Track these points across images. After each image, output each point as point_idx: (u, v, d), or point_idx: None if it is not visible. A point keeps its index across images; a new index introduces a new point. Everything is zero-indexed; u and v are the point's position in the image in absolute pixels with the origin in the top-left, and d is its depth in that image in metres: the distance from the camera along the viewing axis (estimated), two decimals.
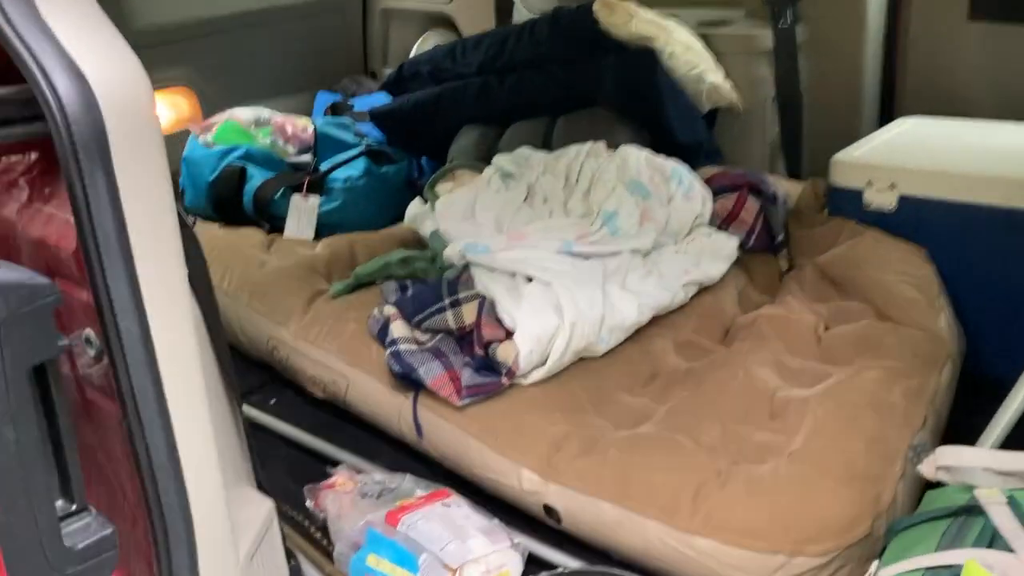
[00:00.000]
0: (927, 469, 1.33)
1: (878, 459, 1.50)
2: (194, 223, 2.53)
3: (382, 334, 1.88)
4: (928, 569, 1.11)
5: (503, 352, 1.70)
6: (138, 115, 1.05)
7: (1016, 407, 1.39)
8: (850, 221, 2.13)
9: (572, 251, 1.90)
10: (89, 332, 1.16)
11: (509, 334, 1.74)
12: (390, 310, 1.91)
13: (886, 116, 2.61)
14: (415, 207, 2.40)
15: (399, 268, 2.13)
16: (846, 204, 2.15)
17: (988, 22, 2.41)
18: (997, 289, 1.96)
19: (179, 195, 2.84)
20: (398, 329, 1.85)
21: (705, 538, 1.45)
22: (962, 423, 1.81)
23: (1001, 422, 1.41)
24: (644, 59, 2.42)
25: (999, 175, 1.93)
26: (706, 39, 2.63)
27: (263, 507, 1.48)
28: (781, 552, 1.40)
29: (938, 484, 1.30)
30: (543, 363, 1.72)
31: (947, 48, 2.50)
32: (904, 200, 2.04)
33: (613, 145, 2.33)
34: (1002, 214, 1.91)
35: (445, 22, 3.49)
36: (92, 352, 1.13)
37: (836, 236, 2.13)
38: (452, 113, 2.74)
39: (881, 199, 2.07)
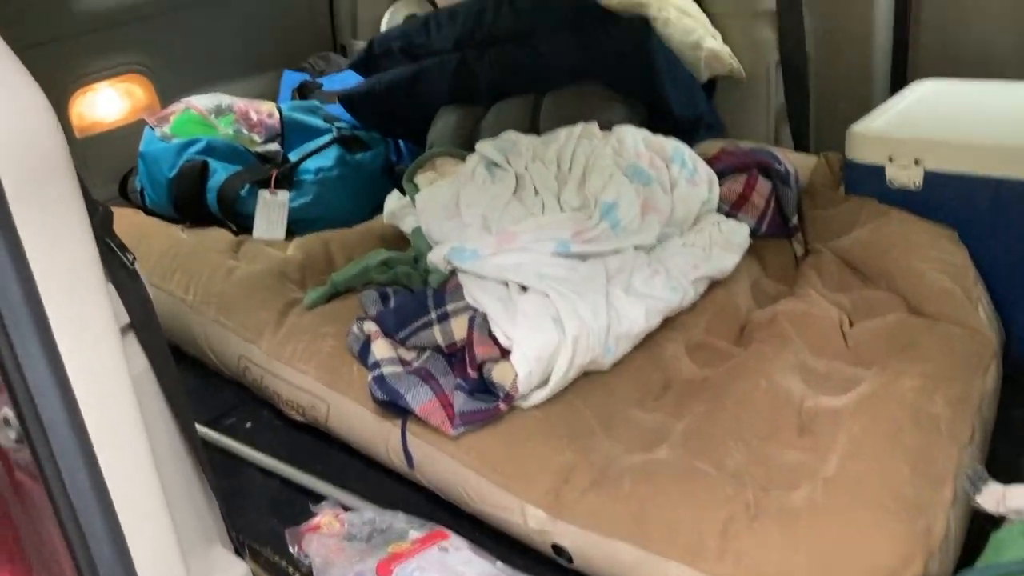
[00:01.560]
0: (990, 504, 1.17)
1: (925, 484, 1.34)
2: (134, 261, 2.32)
3: (363, 354, 1.70)
4: None
5: (500, 374, 1.52)
6: (44, 162, 0.86)
7: None
8: (871, 200, 1.94)
9: (570, 252, 1.71)
10: (7, 413, 0.98)
11: (505, 352, 1.55)
12: (371, 327, 1.72)
13: (899, 78, 2.42)
14: (393, 201, 2.20)
15: (379, 273, 1.94)
16: (865, 181, 1.96)
17: None
18: None
19: (139, 193, 2.62)
20: (381, 349, 1.66)
21: None
22: (999, 417, 1.66)
23: None
24: (636, 28, 2.21)
25: None
26: (701, 1, 2.42)
27: (236, 572, 1.31)
28: None
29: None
30: (544, 383, 1.54)
31: (961, 4, 2.30)
32: (931, 176, 1.85)
33: (606, 124, 2.12)
34: None
35: None
36: (12, 435, 0.95)
37: (856, 217, 1.94)
38: (429, 93, 2.52)
39: (905, 176, 1.89)
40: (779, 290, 1.93)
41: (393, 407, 1.60)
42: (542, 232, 1.76)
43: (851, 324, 1.77)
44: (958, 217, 1.84)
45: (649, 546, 1.35)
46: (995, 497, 1.16)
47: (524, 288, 1.64)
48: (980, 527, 1.38)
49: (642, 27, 2.21)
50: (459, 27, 2.44)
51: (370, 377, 1.63)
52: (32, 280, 0.87)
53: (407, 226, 2.12)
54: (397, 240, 2.21)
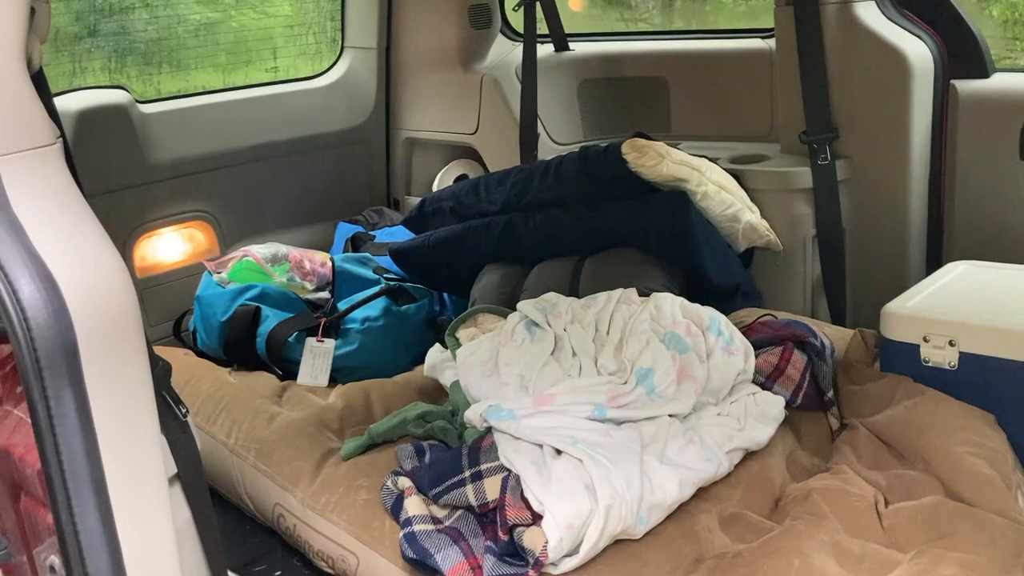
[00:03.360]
0: None
1: None
2: (187, 414, 2.39)
3: (396, 509, 1.71)
4: None
5: (530, 539, 1.52)
6: (116, 320, 0.92)
7: None
8: (906, 378, 1.96)
9: (605, 417, 1.74)
10: (53, 561, 1.01)
11: (536, 516, 1.56)
12: (405, 482, 1.74)
13: (934, 260, 2.47)
14: (435, 354, 2.26)
15: (416, 427, 1.98)
16: (900, 359, 1.98)
17: None
18: None
19: (191, 334, 2.72)
20: (413, 506, 1.68)
21: None
22: None
23: None
24: (676, 201, 2.31)
25: None
26: (740, 176, 2.53)
27: None
28: None
29: None
30: (575, 552, 1.54)
31: (997, 189, 2.38)
32: (966, 357, 1.87)
33: (645, 291, 2.19)
34: None
35: (469, 153, 3.43)
36: None
37: (892, 395, 1.95)
38: (475, 251, 2.62)
39: (940, 356, 1.91)
40: (814, 463, 1.92)
41: (423, 566, 1.60)
42: (578, 395, 1.80)
43: (886, 504, 1.75)
44: (996, 400, 1.84)
45: None
46: None
47: (558, 452, 1.66)
48: None
49: (682, 201, 2.31)
50: (507, 191, 2.56)
51: (401, 534, 1.64)
52: (94, 434, 0.92)
53: (446, 379, 2.17)
54: (435, 392, 2.25)
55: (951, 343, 1.89)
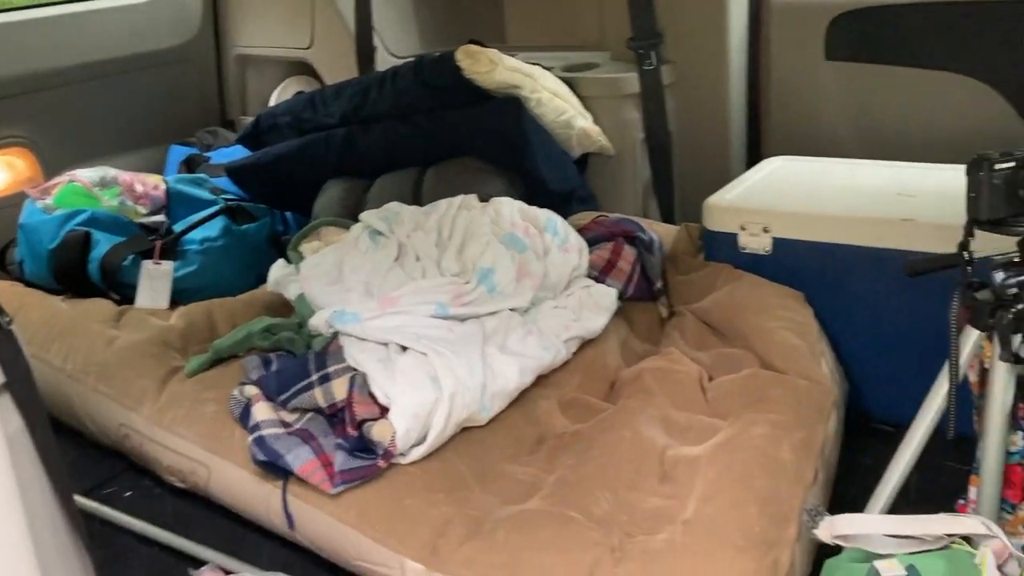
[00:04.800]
0: (823, 534, 1.28)
1: (772, 522, 1.45)
2: (10, 322, 2.29)
3: (244, 417, 1.73)
4: None
5: (379, 432, 1.58)
6: None
7: (903, 468, 1.37)
8: (726, 266, 2.11)
9: (448, 314, 1.80)
10: None
11: (384, 411, 1.61)
12: (252, 390, 1.76)
13: (754, 157, 2.63)
14: (278, 269, 2.25)
15: (262, 339, 1.98)
16: (721, 248, 2.13)
17: (844, 62, 2.46)
18: (872, 330, 1.97)
19: (18, 265, 2.59)
20: (261, 411, 1.70)
21: None
22: (848, 461, 1.81)
23: (890, 483, 1.38)
24: (510, 108, 2.35)
25: (868, 215, 1.94)
26: (572, 84, 2.59)
27: None
28: None
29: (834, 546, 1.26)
30: (422, 440, 1.61)
31: (807, 88, 2.54)
32: (779, 243, 2.03)
33: (485, 197, 2.24)
34: (873, 254, 1.92)
35: (305, 69, 3.35)
36: None
37: (714, 281, 2.10)
38: (315, 166, 2.60)
39: (756, 243, 2.06)
40: (645, 349, 2.05)
41: (274, 468, 1.63)
42: (422, 296, 1.85)
43: (710, 379, 1.90)
44: (805, 280, 2.01)
45: None
46: (829, 528, 1.28)
47: (404, 349, 1.71)
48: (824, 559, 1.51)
49: (516, 107, 2.36)
50: (345, 103, 2.54)
51: (250, 439, 1.66)
52: None
53: (291, 293, 2.17)
54: (281, 308, 2.25)
55: (765, 230, 2.04)
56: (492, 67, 2.31)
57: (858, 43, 2.40)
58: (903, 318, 1.94)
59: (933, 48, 2.30)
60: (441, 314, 1.80)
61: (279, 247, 2.61)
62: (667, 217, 2.65)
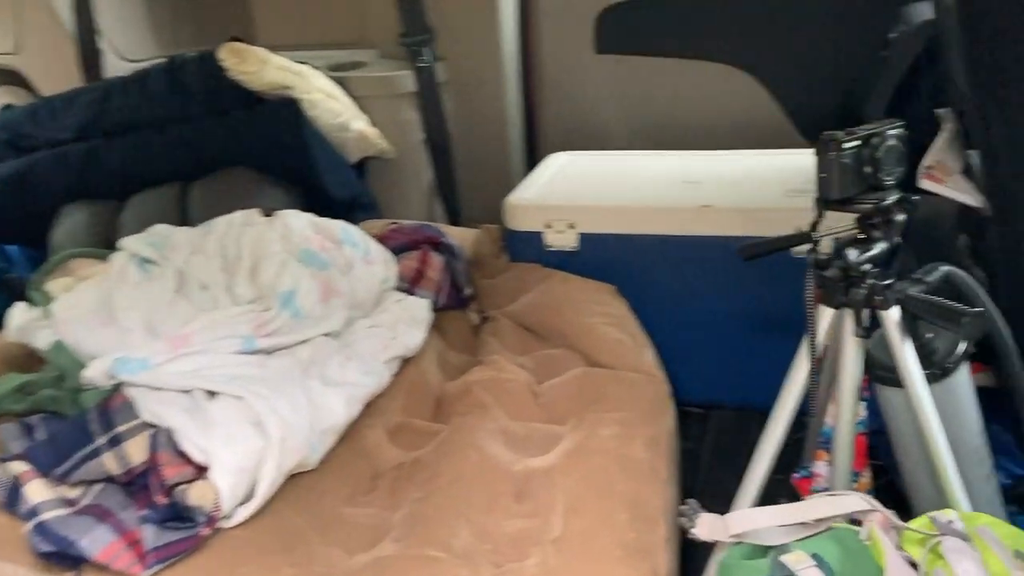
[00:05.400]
0: (705, 533, 1.24)
1: (643, 526, 1.40)
2: None
3: (13, 501, 1.40)
4: None
5: (197, 495, 1.33)
6: None
7: (770, 454, 1.36)
8: (534, 265, 2.05)
9: (255, 348, 1.58)
10: None
11: (200, 470, 1.37)
12: (17, 467, 1.43)
13: (532, 153, 2.60)
14: (20, 315, 1.87)
15: (14, 402, 1.63)
16: (526, 248, 2.07)
17: (613, 54, 2.49)
18: (679, 315, 2.00)
19: None
20: (36, 491, 1.38)
21: None
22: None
23: (758, 472, 1.37)
24: (286, 111, 2.14)
25: (669, 205, 1.96)
26: (343, 83, 2.42)
27: None
28: None
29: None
30: (250, 497, 1.38)
31: (578, 82, 2.55)
32: (585, 238, 2.00)
33: (267, 210, 2.02)
34: (676, 242, 1.94)
35: (12, 77, 2.87)
36: None
37: (523, 282, 2.04)
38: (47, 189, 2.22)
39: (561, 240, 2.02)
40: (463, 360, 1.94)
41: (64, 559, 1.33)
42: (219, 330, 1.61)
43: (538, 383, 1.82)
44: (614, 273, 2.00)
45: None
46: (709, 526, 1.24)
47: (212, 394, 1.47)
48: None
49: (293, 110, 2.15)
50: (80, 114, 2.19)
51: (29, 527, 1.34)
52: None
53: (41, 341, 1.81)
54: (27, 360, 1.88)
55: (571, 226, 2.00)
56: (261, 66, 2.09)
57: (626, 36, 2.44)
58: (708, 302, 1.98)
59: (696, 38, 2.38)
60: (248, 349, 1.57)
61: (8, 286, 2.20)
62: (454, 219, 2.56)
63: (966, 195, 1.54)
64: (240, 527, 1.39)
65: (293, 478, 1.50)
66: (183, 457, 1.38)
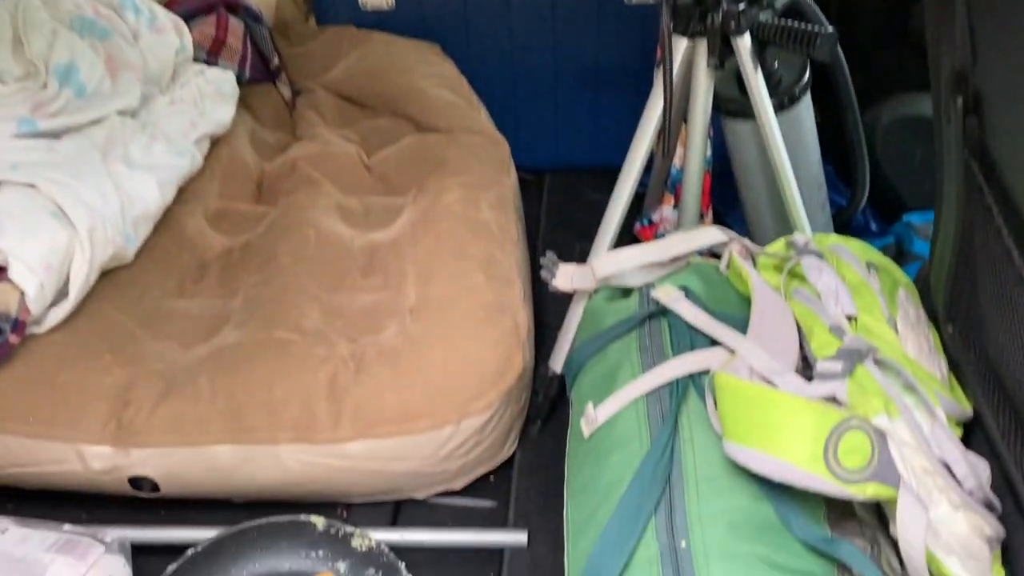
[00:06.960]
0: (565, 284, 1.22)
1: (500, 285, 1.36)
2: None
3: None
4: (650, 394, 1.01)
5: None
6: None
7: (624, 200, 1.33)
8: (348, 28, 1.86)
9: (39, 130, 1.34)
10: None
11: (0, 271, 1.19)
12: None
13: None
14: None
15: None
16: (336, 9, 1.88)
17: None
18: (507, 74, 1.90)
19: None
20: None
21: (358, 441, 1.19)
22: None
23: (613, 219, 1.34)
24: None
25: None
26: None
27: None
28: (448, 423, 1.21)
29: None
30: (64, 296, 1.22)
31: None
32: None
33: None
34: None
35: None
36: None
37: (338, 48, 1.85)
38: None
39: None
40: (278, 138, 1.77)
41: None
42: None
43: (368, 156, 1.70)
44: (435, 31, 1.85)
45: (251, 438, 1.18)
46: (572, 275, 1.22)
47: None
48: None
49: None
50: None
51: None
52: None
53: None
54: None
55: None
56: None
57: None
58: (536, 57, 1.89)
59: None
60: (29, 131, 1.33)
61: None
62: None
63: None
64: (56, 331, 1.23)
65: (110, 274, 1.34)
66: None
